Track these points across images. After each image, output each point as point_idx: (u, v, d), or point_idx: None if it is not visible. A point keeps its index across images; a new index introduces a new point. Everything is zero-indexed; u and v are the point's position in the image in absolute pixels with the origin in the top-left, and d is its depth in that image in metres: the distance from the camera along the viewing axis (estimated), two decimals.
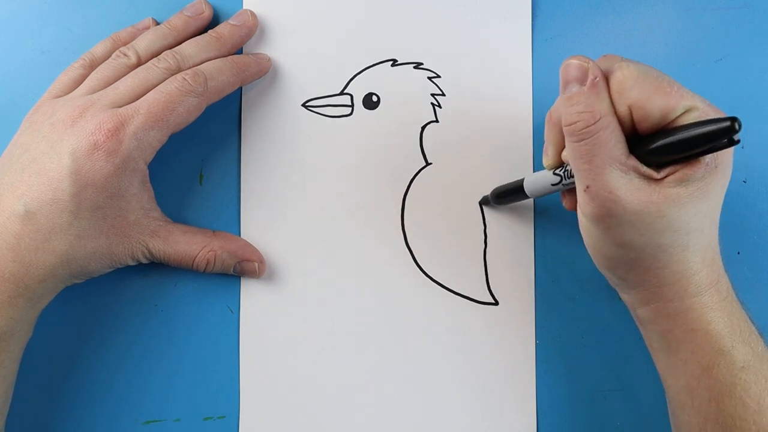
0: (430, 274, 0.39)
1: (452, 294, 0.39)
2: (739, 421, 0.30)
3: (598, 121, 0.29)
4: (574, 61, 0.30)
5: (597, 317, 0.39)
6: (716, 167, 0.29)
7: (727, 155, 0.30)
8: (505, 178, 0.39)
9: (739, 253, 0.39)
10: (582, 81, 0.29)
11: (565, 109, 0.30)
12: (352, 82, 0.40)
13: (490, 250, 0.39)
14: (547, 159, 0.34)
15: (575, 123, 0.29)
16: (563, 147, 0.33)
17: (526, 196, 0.36)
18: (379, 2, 0.40)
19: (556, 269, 0.39)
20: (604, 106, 0.29)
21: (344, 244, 0.40)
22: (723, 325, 0.31)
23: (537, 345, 0.39)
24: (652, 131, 0.29)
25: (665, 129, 0.29)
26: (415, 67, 0.40)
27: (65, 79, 0.37)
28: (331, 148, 0.40)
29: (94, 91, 0.36)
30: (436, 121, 0.40)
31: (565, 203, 0.35)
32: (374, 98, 0.40)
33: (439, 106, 0.40)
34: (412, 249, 0.40)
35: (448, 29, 0.40)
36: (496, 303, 0.39)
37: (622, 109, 0.29)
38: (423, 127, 0.40)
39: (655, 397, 0.39)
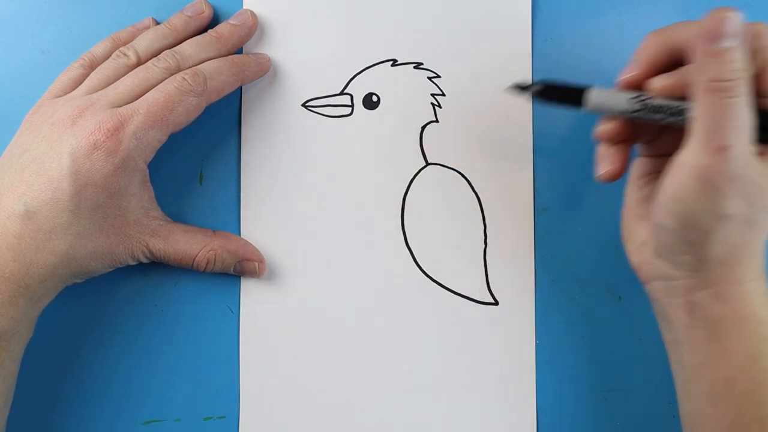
0: (430, 274, 0.39)
1: (452, 294, 0.39)
2: None
3: (746, 81, 0.28)
4: (735, 16, 0.28)
5: (597, 317, 0.39)
6: None
7: None
8: (505, 178, 0.39)
9: None
10: (733, 34, 0.28)
11: (717, 64, 0.28)
12: (352, 82, 0.40)
13: (490, 250, 0.39)
14: (630, 74, 0.32)
15: (733, 79, 0.28)
16: (653, 70, 0.32)
17: (578, 107, 0.33)
18: (379, 2, 0.40)
19: (556, 269, 0.39)
20: (747, 66, 0.29)
21: (344, 244, 0.40)
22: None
23: (537, 345, 0.39)
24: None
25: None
26: (415, 67, 0.40)
27: (65, 79, 0.37)
28: (331, 148, 0.40)
29: (94, 91, 0.36)
30: (436, 121, 0.40)
31: (603, 129, 0.33)
32: (374, 98, 0.40)
33: (439, 106, 0.40)
34: (412, 249, 0.40)
35: (448, 29, 0.40)
36: (496, 303, 0.39)
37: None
38: (423, 127, 0.40)
39: (655, 397, 0.39)
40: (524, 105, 0.40)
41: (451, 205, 0.40)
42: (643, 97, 0.31)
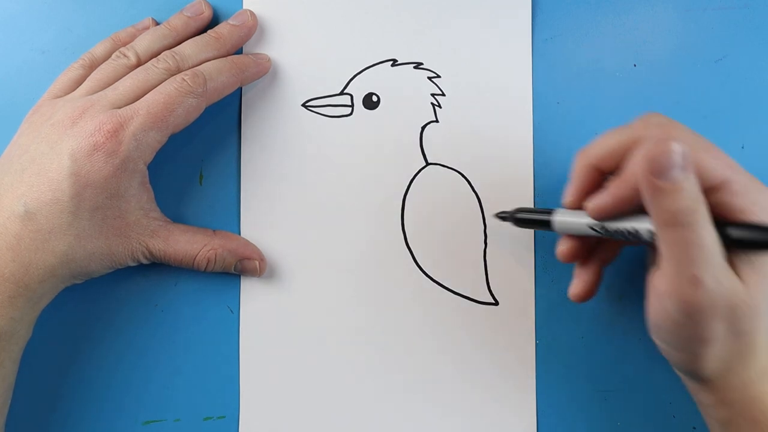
0: (430, 274, 0.39)
1: (452, 294, 0.39)
2: None
3: (701, 208, 0.27)
4: (678, 148, 0.27)
5: (597, 317, 0.39)
6: None
7: None
8: (505, 177, 0.39)
9: None
10: (678, 166, 0.27)
11: (670, 198, 0.27)
12: (352, 82, 0.40)
13: (490, 250, 0.39)
14: (570, 198, 0.33)
15: (690, 211, 0.27)
16: (589, 189, 0.32)
17: (549, 229, 0.34)
18: (379, 2, 0.40)
19: (556, 269, 0.39)
20: (700, 193, 0.27)
21: (344, 244, 0.40)
22: None
23: (537, 345, 0.39)
24: None
25: (724, 207, 0.28)
26: (415, 67, 0.40)
27: (65, 79, 0.37)
28: (331, 148, 0.40)
29: (94, 91, 0.36)
30: (436, 121, 0.40)
31: (563, 251, 0.34)
32: (374, 98, 0.40)
33: (439, 106, 0.40)
34: (412, 249, 0.40)
35: (448, 29, 0.40)
36: (496, 303, 0.39)
37: None
38: (423, 127, 0.40)
39: (655, 397, 0.39)
40: (524, 105, 0.40)
41: (451, 205, 0.40)
42: (599, 225, 0.31)
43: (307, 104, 0.40)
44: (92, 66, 0.38)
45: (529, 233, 0.39)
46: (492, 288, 0.39)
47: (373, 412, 0.39)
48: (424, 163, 0.40)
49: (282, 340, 0.39)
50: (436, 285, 0.39)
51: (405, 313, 0.39)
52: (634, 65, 0.40)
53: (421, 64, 0.40)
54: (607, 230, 0.31)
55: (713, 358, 0.29)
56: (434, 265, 0.39)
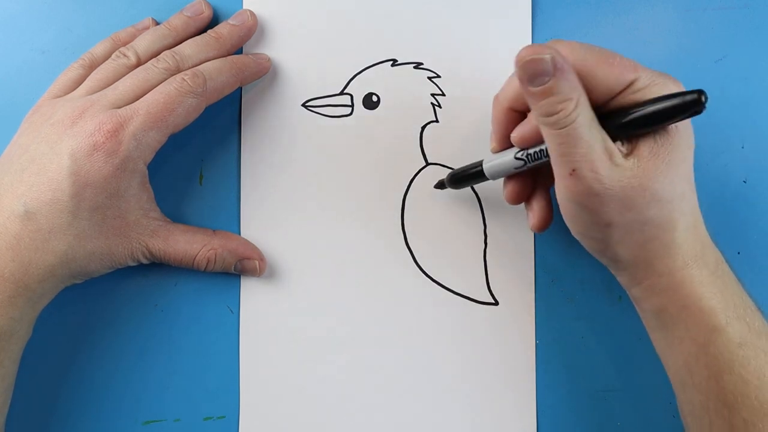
0: (430, 274, 0.39)
1: (452, 294, 0.39)
2: (740, 397, 0.30)
3: (577, 106, 0.28)
4: (534, 55, 0.28)
5: (597, 317, 0.39)
6: (678, 129, 0.30)
7: None
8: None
9: (739, 253, 0.39)
10: (548, 72, 0.28)
11: (537, 101, 0.29)
12: (352, 82, 0.40)
13: (490, 250, 0.39)
14: (494, 143, 0.35)
15: (555, 113, 0.29)
16: (511, 129, 0.33)
17: (485, 179, 0.36)
18: (379, 2, 0.40)
19: (556, 269, 0.39)
20: (578, 89, 0.29)
21: (344, 244, 0.40)
22: (716, 301, 0.31)
23: (537, 345, 0.39)
24: (601, 104, 0.30)
25: (625, 104, 0.29)
26: (415, 67, 0.40)
27: (65, 79, 0.37)
28: (331, 148, 0.40)
29: (94, 91, 0.36)
30: (436, 121, 0.40)
31: (507, 194, 0.35)
32: (374, 98, 0.40)
33: (439, 106, 0.40)
34: (412, 249, 0.40)
35: (448, 29, 0.40)
36: (496, 303, 0.39)
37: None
38: (423, 127, 0.40)
39: (656, 397, 0.39)
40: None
41: (451, 205, 0.40)
42: (521, 153, 0.33)
43: (307, 104, 0.40)
44: (92, 66, 0.38)
45: (529, 233, 0.39)
46: (492, 288, 0.39)
47: (373, 412, 0.39)
48: (424, 163, 0.40)
49: (282, 340, 0.39)
50: (436, 285, 0.39)
51: (405, 313, 0.39)
52: None
53: (421, 64, 0.40)
54: (529, 156, 0.33)
55: (622, 241, 0.31)
56: (434, 265, 0.39)
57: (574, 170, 0.29)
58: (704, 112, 0.40)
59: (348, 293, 0.40)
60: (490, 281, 0.39)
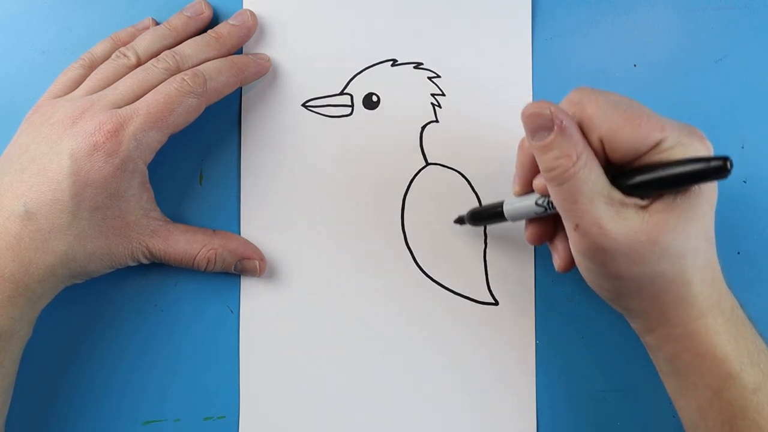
0: (430, 274, 0.39)
1: (452, 294, 0.39)
2: None
3: (576, 162, 0.29)
4: (536, 110, 0.29)
5: (597, 317, 0.39)
6: (700, 188, 0.29)
7: None
8: (505, 177, 0.39)
9: (739, 253, 0.39)
10: (549, 127, 0.29)
11: (540, 156, 0.30)
12: (352, 82, 0.40)
13: (490, 250, 0.39)
14: (517, 187, 0.35)
15: (554, 169, 0.29)
16: (534, 174, 0.33)
17: (504, 220, 0.36)
18: (379, 2, 0.40)
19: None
20: (579, 147, 0.29)
21: (344, 244, 0.40)
22: (730, 348, 0.30)
23: (537, 345, 0.39)
24: (626, 162, 0.29)
25: (649, 163, 0.29)
26: (415, 67, 0.40)
27: (65, 79, 0.37)
28: (331, 148, 0.40)
29: (94, 91, 0.36)
30: (436, 121, 0.40)
31: (528, 235, 0.35)
32: (374, 98, 0.40)
33: (439, 106, 0.40)
34: (412, 249, 0.40)
35: (448, 29, 0.40)
36: (496, 303, 0.39)
37: (595, 143, 0.29)
38: (423, 127, 0.40)
39: (655, 397, 0.39)
40: (524, 105, 0.39)
41: (451, 205, 0.40)
42: (542, 200, 0.33)
43: (307, 104, 0.40)
44: (92, 66, 0.38)
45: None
46: (492, 288, 0.39)
47: (373, 412, 0.39)
48: (424, 163, 0.40)
49: (282, 340, 0.39)
50: (436, 285, 0.39)
51: (405, 313, 0.39)
52: (634, 65, 0.40)
53: (421, 64, 0.40)
54: (549, 203, 0.33)
55: (633, 293, 0.31)
56: (434, 265, 0.39)
57: (577, 225, 0.30)
58: (704, 112, 0.40)
59: (348, 293, 0.40)
60: (490, 281, 0.39)
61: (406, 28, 0.40)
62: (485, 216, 0.37)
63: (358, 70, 0.40)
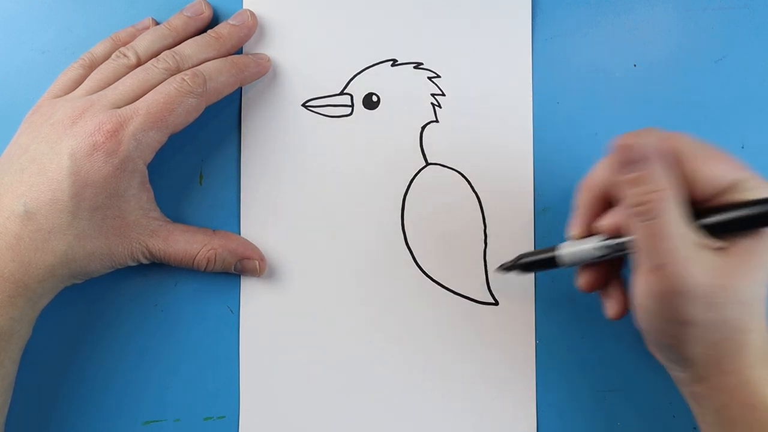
0: (430, 274, 0.39)
1: (452, 294, 0.39)
2: None
3: (667, 198, 0.28)
4: (629, 141, 0.29)
5: (597, 317, 0.39)
6: (766, 234, 0.29)
7: None
8: (505, 177, 0.39)
9: None
10: (641, 160, 0.29)
11: (630, 190, 0.29)
12: (352, 82, 0.40)
13: (490, 250, 0.39)
14: (578, 229, 0.34)
15: (644, 204, 0.29)
16: (598, 215, 0.33)
17: (555, 267, 0.35)
18: (379, 2, 0.40)
19: (556, 269, 0.39)
20: (670, 181, 0.29)
21: (344, 244, 0.40)
22: None
23: (537, 345, 0.39)
24: (708, 200, 0.29)
25: (727, 203, 0.29)
26: (415, 67, 0.40)
27: (65, 79, 0.37)
28: (331, 148, 0.40)
29: (94, 91, 0.36)
30: (436, 121, 0.40)
31: (583, 283, 0.34)
32: (374, 98, 0.40)
33: (439, 106, 0.40)
34: (412, 249, 0.40)
35: (448, 29, 0.40)
36: (496, 303, 0.39)
37: (679, 179, 0.29)
38: (423, 127, 0.40)
39: (656, 397, 0.39)
40: (524, 105, 0.40)
41: (451, 205, 0.40)
42: (608, 241, 0.32)
43: (307, 104, 0.40)
44: (92, 66, 0.38)
45: (529, 233, 0.39)
46: (492, 288, 0.39)
47: (373, 412, 0.39)
48: (424, 163, 0.40)
49: (282, 340, 0.39)
50: (437, 285, 0.39)
51: (405, 313, 0.39)
52: (634, 65, 0.40)
53: (421, 64, 0.40)
54: (613, 246, 0.32)
55: (696, 340, 0.30)
56: (434, 265, 0.39)
57: (658, 265, 0.29)
58: (704, 112, 0.40)
59: (348, 293, 0.40)
60: (490, 281, 0.39)
61: (406, 28, 0.40)
62: (536, 264, 0.36)
63: (358, 70, 0.40)
